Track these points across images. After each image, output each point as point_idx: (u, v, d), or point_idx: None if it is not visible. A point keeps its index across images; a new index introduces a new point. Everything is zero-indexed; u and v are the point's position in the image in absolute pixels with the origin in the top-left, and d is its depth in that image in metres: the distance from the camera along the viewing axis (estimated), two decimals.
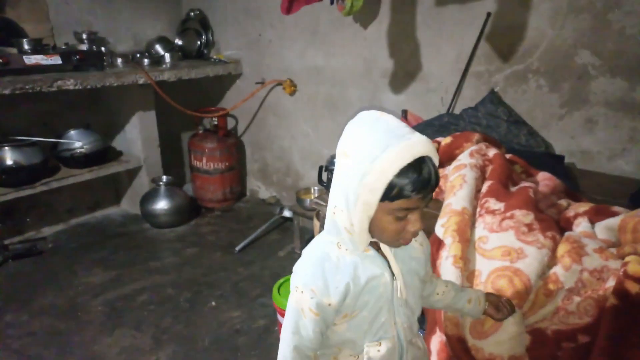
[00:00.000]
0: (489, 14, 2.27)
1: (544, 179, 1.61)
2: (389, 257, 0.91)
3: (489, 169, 1.50)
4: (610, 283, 1.10)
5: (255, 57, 3.47)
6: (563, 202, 1.51)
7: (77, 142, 2.97)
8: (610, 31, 1.99)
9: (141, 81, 2.91)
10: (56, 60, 2.57)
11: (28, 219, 2.88)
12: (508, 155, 1.76)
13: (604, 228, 1.29)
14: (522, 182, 1.53)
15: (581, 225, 1.32)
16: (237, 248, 2.92)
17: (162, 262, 2.82)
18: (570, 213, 1.40)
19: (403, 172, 0.76)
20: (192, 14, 3.68)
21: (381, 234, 0.85)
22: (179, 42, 3.66)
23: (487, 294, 1.11)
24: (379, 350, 0.91)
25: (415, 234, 0.84)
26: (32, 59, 2.48)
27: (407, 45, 2.61)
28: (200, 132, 3.54)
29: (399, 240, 0.85)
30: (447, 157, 1.70)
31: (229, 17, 3.54)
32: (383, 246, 0.90)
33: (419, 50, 2.58)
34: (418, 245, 0.98)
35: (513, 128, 2.22)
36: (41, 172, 2.80)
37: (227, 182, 3.59)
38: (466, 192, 1.37)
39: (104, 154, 3.13)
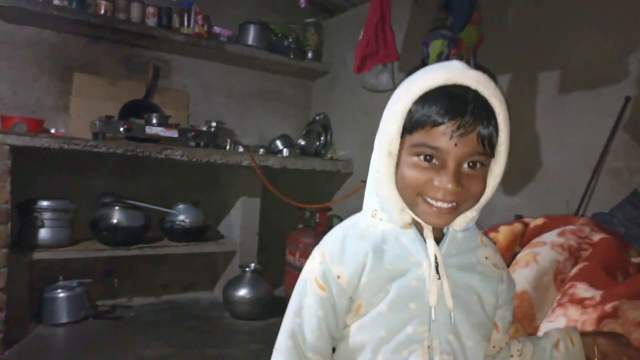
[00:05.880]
0: (627, 99, 1.80)
1: None
2: (429, 244, 0.73)
3: (587, 253, 0.99)
4: None
5: (367, 157, 3.35)
6: None
7: (180, 215, 3.08)
8: None
9: (245, 163, 2.98)
10: (173, 133, 2.81)
11: (116, 280, 2.96)
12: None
13: None
14: None
15: None
16: None
17: (220, 350, 2.55)
18: None
19: (430, 94, 0.67)
20: (317, 117, 3.84)
21: (403, 189, 0.72)
22: (301, 141, 3.79)
23: (583, 332, 0.79)
24: None
25: (446, 195, 0.67)
26: (152, 130, 2.74)
27: (523, 137, 2.21)
28: (300, 226, 3.41)
29: (422, 197, 0.69)
30: None
31: (347, 119, 3.58)
32: (429, 234, 0.74)
33: (538, 143, 2.16)
34: (489, 263, 0.78)
35: None
36: (138, 237, 2.91)
37: None
38: (532, 272, 0.89)
39: (201, 232, 3.17)
